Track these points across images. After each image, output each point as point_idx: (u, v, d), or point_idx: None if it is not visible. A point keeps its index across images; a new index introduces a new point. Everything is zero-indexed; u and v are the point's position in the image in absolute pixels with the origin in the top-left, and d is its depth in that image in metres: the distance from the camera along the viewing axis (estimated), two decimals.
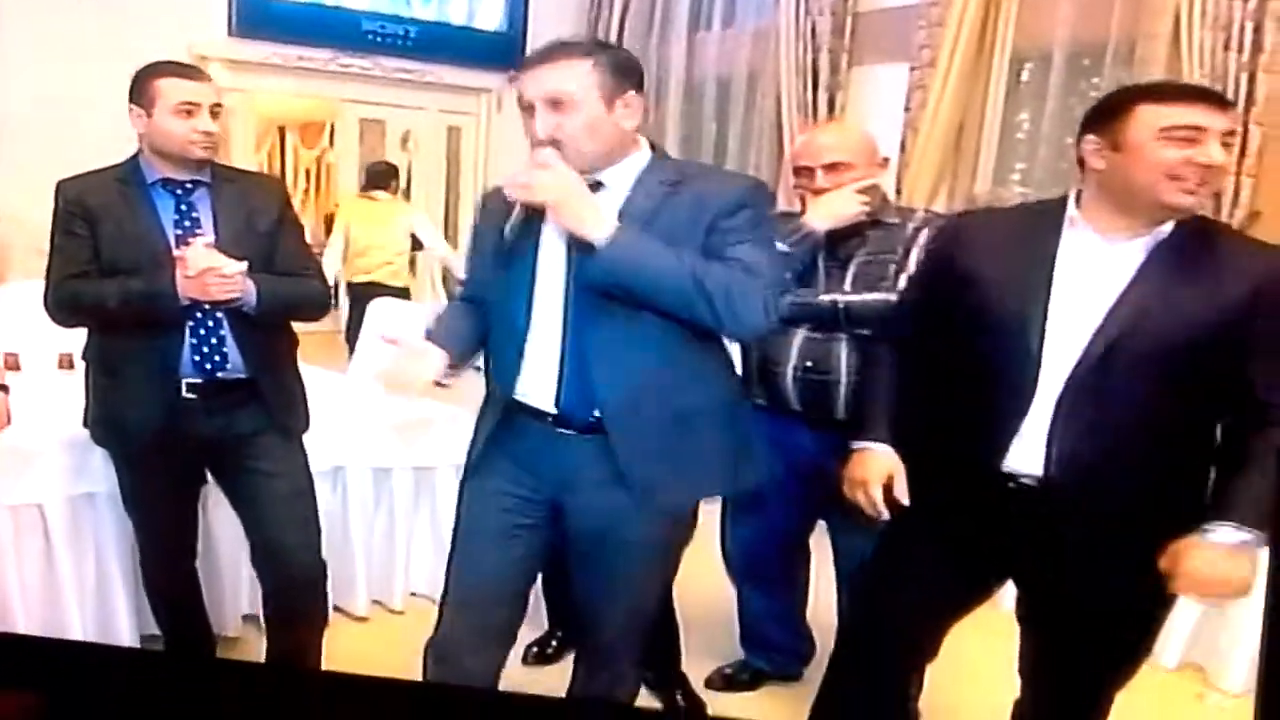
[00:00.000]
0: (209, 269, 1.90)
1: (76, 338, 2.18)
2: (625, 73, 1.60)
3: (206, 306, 1.98)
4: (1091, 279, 1.56)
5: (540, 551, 1.79)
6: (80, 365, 2.19)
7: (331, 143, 7.99)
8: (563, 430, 1.67)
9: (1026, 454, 1.59)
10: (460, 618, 1.80)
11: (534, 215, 1.64)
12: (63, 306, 2.02)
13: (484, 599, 1.78)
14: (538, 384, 1.66)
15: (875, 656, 1.86)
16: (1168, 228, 1.53)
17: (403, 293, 5.04)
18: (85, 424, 2.14)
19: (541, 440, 1.69)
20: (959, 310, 1.68)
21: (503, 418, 1.73)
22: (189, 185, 2.04)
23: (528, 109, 1.61)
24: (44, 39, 5.00)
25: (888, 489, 1.74)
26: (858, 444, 1.81)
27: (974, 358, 1.67)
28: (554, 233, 1.63)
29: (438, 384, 1.75)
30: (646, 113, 1.66)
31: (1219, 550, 1.48)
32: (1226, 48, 3.77)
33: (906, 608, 1.78)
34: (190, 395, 2.02)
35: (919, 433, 1.77)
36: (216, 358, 2.02)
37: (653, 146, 1.70)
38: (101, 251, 1.99)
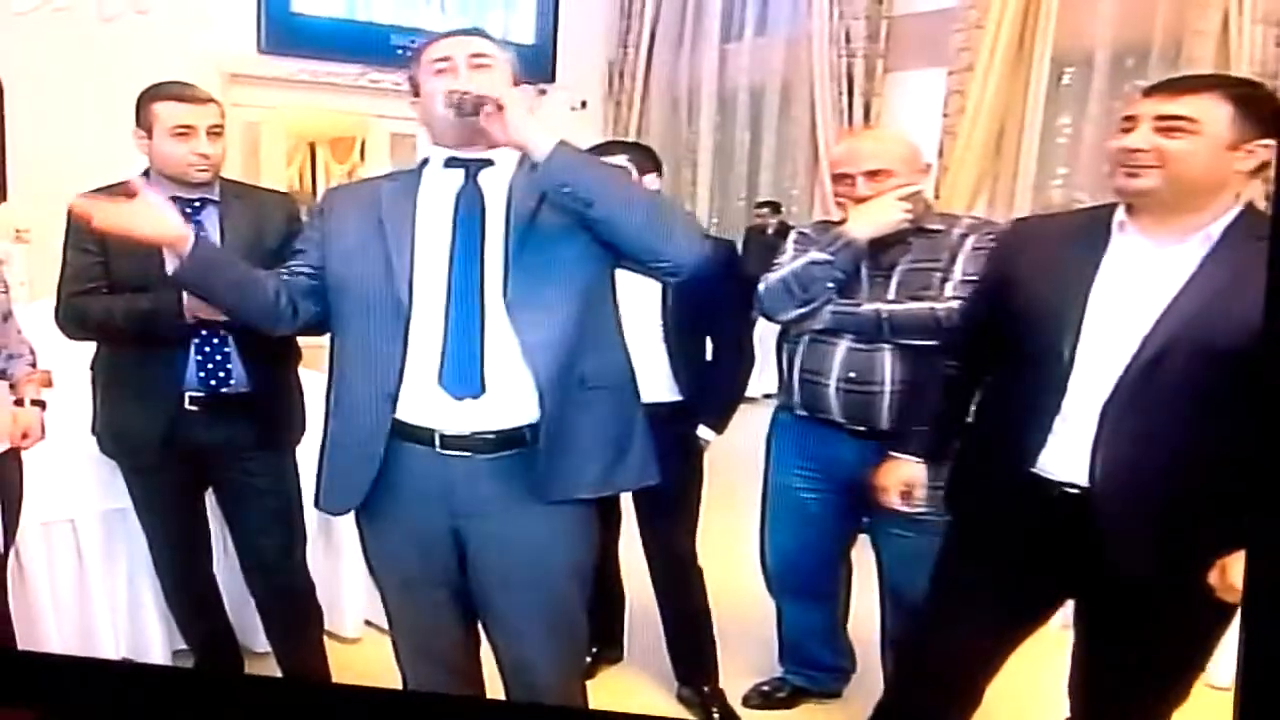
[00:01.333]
0: None
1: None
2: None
3: (212, 325, 1.99)
4: (1140, 284, 1.53)
5: (468, 599, 1.69)
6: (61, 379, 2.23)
7: (363, 158, 8.05)
8: (448, 453, 1.55)
9: (1070, 461, 1.57)
10: (413, 660, 1.77)
11: (398, 199, 1.62)
12: (71, 321, 2.05)
13: (430, 647, 1.75)
14: (420, 382, 1.54)
15: (936, 688, 1.83)
16: (1219, 228, 1.49)
17: None
18: (93, 433, 2.16)
19: (431, 473, 1.57)
20: (1007, 316, 1.68)
21: (385, 453, 1.57)
22: (197, 203, 2.05)
23: (440, 69, 1.59)
24: (75, 59, 5.07)
25: (907, 494, 1.93)
26: (890, 453, 1.95)
27: (1014, 362, 1.67)
28: (436, 202, 1.60)
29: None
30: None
31: None
32: (1278, 43, 3.68)
33: (968, 633, 1.75)
34: (193, 408, 2.05)
35: (969, 444, 1.76)
36: (221, 374, 2.05)
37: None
38: (111, 268, 2.01)
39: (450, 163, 1.63)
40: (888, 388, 2.06)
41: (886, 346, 2.05)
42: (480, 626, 1.75)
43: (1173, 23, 4.08)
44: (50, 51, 5.02)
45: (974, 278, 1.98)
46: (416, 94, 1.65)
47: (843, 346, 2.09)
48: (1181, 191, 1.50)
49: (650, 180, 1.63)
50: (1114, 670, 1.70)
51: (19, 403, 2.03)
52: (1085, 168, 4.40)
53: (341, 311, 1.64)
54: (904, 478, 1.91)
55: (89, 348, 2.15)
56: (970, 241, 2.04)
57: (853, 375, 2.08)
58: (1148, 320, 1.50)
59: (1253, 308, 1.40)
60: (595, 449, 1.61)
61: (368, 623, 2.76)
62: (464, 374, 1.53)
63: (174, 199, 2.00)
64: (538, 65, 6.17)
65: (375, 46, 6.03)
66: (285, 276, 1.68)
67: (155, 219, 1.58)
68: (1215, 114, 1.45)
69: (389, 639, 2.66)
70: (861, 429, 2.11)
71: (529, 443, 1.56)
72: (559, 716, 1.81)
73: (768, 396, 2.45)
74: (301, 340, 2.17)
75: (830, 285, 2.05)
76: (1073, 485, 1.57)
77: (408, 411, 1.56)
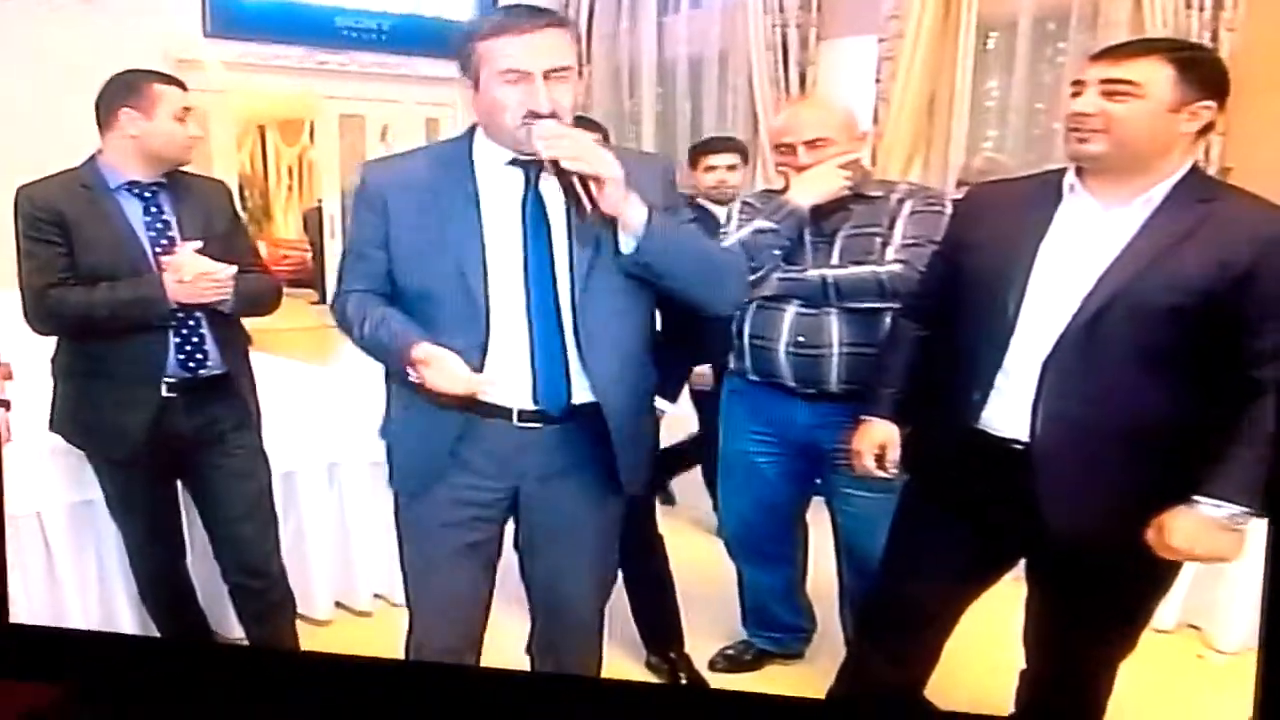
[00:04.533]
0: (202, 274, 1.96)
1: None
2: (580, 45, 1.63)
3: (191, 308, 2.03)
4: (1086, 244, 1.58)
5: (497, 550, 1.80)
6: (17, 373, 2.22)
7: (312, 139, 7.95)
8: (528, 425, 1.63)
9: (1012, 417, 1.62)
10: (432, 636, 1.81)
11: (458, 192, 1.60)
12: (47, 317, 2.02)
13: (454, 617, 1.79)
14: (504, 375, 1.58)
15: (898, 640, 1.88)
16: (1162, 191, 1.54)
17: None
18: (51, 428, 2.15)
19: (501, 440, 1.65)
20: (962, 277, 1.72)
21: (461, 433, 1.64)
22: (154, 188, 2.07)
23: (512, 80, 1.51)
24: (16, 44, 4.92)
25: (880, 457, 1.89)
26: (860, 416, 1.93)
27: (960, 321, 1.71)
28: (499, 206, 1.59)
29: None
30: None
31: (1205, 523, 1.49)
32: (1189, 6, 3.81)
33: (926, 586, 1.80)
34: (171, 394, 2.07)
35: (922, 402, 1.81)
36: (199, 355, 2.08)
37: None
38: (77, 258, 2.00)
39: (512, 163, 1.60)
40: (835, 350, 2.13)
41: (833, 310, 2.12)
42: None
43: None
44: None
45: (914, 241, 2.07)
46: (476, 87, 1.57)
47: (791, 311, 2.16)
48: (1128, 155, 1.53)
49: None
50: (1063, 623, 1.76)
51: None
52: (1014, 131, 4.51)
53: (406, 295, 1.64)
54: (877, 440, 1.90)
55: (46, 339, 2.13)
56: (908, 206, 2.12)
57: (801, 339, 2.16)
58: (1090, 280, 1.55)
59: (1192, 269, 1.47)
60: (649, 440, 1.78)
61: (338, 604, 2.80)
62: (553, 393, 1.61)
63: (131, 184, 2.05)
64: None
65: (321, 28, 5.98)
66: (364, 288, 1.67)
67: (458, 373, 1.55)
68: (1157, 77, 1.49)
69: (360, 620, 2.78)
70: (812, 391, 2.18)
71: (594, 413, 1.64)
72: (538, 682, 1.90)
73: None
74: (249, 323, 2.22)
75: (777, 253, 2.12)
76: (1016, 441, 1.62)
77: (488, 395, 1.60)
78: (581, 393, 1.63)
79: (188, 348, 2.06)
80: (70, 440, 2.16)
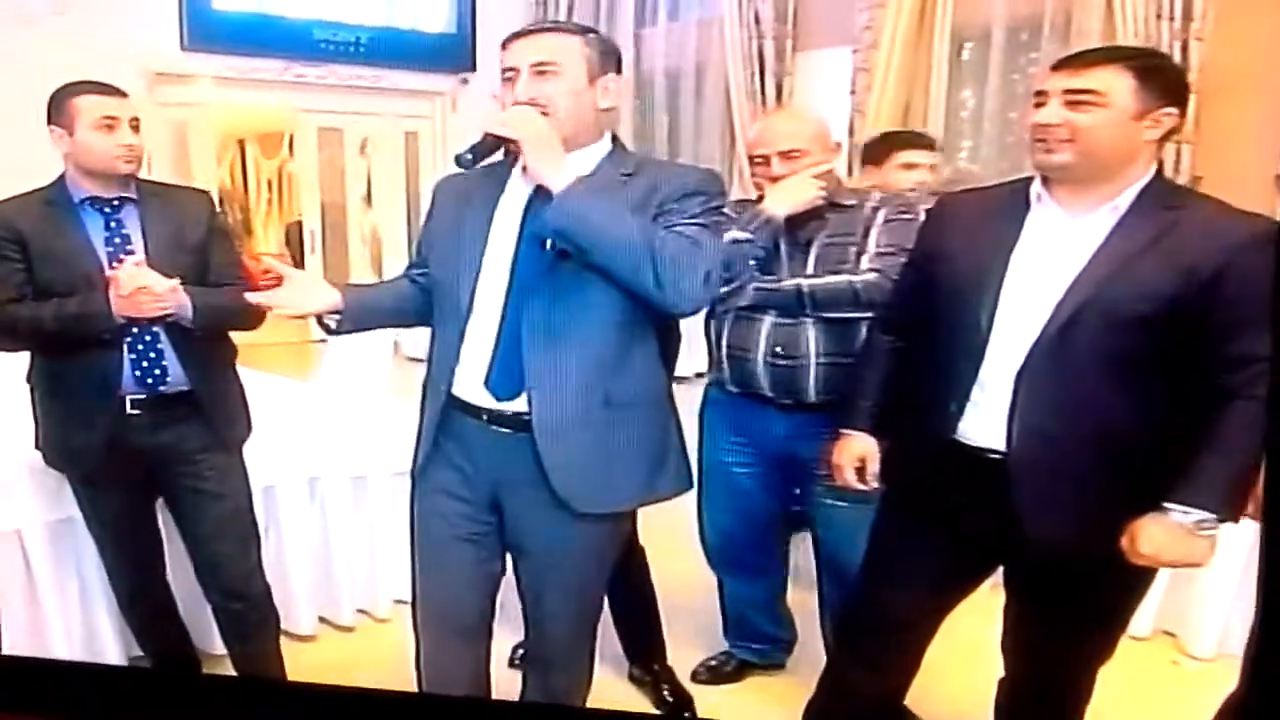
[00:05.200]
0: (140, 289, 1.91)
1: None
2: (609, 56, 1.66)
3: (142, 323, 1.99)
4: (1055, 254, 1.58)
5: (498, 554, 1.80)
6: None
7: (291, 152, 7.94)
8: (497, 428, 1.67)
9: (988, 428, 1.62)
10: (429, 627, 1.83)
11: (488, 198, 1.68)
12: (1, 332, 2.00)
13: (448, 608, 1.80)
14: (473, 372, 1.66)
15: (878, 649, 1.88)
16: (1127, 199, 1.54)
17: None
18: (36, 446, 2.13)
19: (477, 439, 1.69)
20: (933, 288, 1.73)
21: (441, 420, 1.72)
22: (116, 203, 2.05)
23: (508, 78, 1.62)
24: None
25: (861, 470, 1.89)
26: (840, 429, 1.93)
27: (934, 333, 1.72)
28: (508, 214, 1.66)
29: (324, 327, 1.78)
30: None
31: (1175, 530, 1.50)
32: (1159, 16, 3.87)
33: (905, 596, 1.80)
34: (135, 411, 2.03)
35: (897, 414, 1.81)
36: (157, 371, 2.03)
37: (614, 140, 1.73)
38: (35, 274, 1.98)
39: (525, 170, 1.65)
40: (813, 360, 2.15)
41: (809, 320, 2.13)
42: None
43: None
44: None
45: (888, 250, 2.09)
46: None
47: (767, 322, 2.17)
48: (1094, 164, 1.53)
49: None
50: (1041, 630, 1.75)
51: None
52: (988, 140, 4.56)
53: (434, 282, 1.77)
54: (856, 453, 1.89)
55: (23, 356, 2.13)
56: (882, 214, 2.15)
57: (779, 350, 2.17)
58: (1060, 289, 1.55)
59: (1159, 276, 1.47)
60: (626, 463, 1.69)
61: (321, 619, 2.80)
62: (500, 382, 1.65)
63: (94, 199, 2.03)
64: (458, 54, 6.14)
65: (299, 41, 5.96)
66: (415, 272, 1.83)
67: (316, 292, 1.72)
68: (1119, 85, 1.50)
69: (344, 635, 2.77)
70: (789, 402, 2.19)
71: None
72: (531, 714, 1.89)
73: (699, 375, 2.51)
74: (237, 337, 2.19)
75: (752, 263, 2.13)
76: (992, 451, 1.62)
77: (462, 389, 1.68)
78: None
79: (144, 363, 2.02)
80: (45, 458, 2.14)
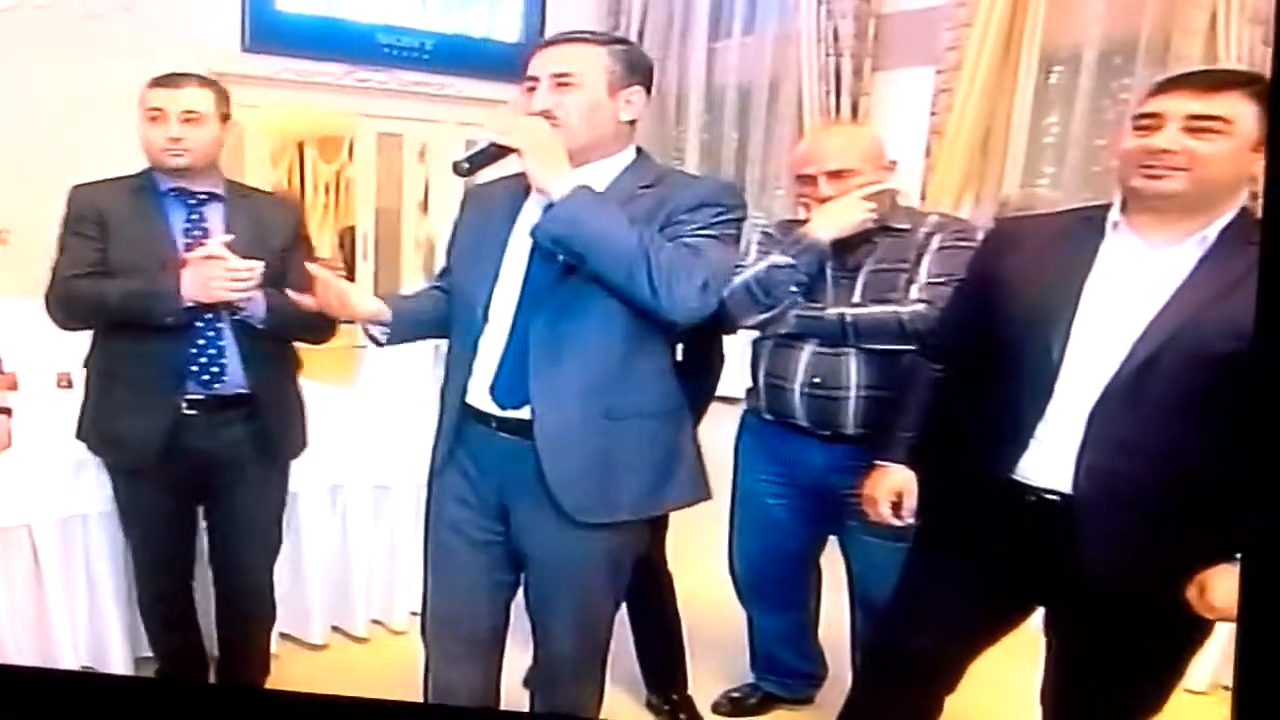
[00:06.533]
0: (222, 262, 1.87)
1: (74, 356, 2.14)
2: (635, 68, 1.63)
3: (208, 315, 1.96)
4: (1133, 286, 1.49)
5: (508, 565, 1.76)
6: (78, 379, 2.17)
7: (350, 157, 8.04)
8: (504, 435, 1.65)
9: (1051, 467, 1.53)
10: (438, 637, 1.81)
11: (510, 210, 1.67)
12: (60, 303, 1.99)
13: (456, 616, 1.79)
14: (484, 381, 1.66)
15: (899, 691, 1.80)
16: (1215, 229, 1.45)
17: None
18: (79, 435, 2.10)
19: (486, 446, 1.69)
20: (994, 319, 1.63)
21: (456, 426, 1.72)
22: (202, 196, 2.04)
23: (530, 88, 1.62)
24: (58, 58, 5.04)
25: (897, 505, 1.83)
26: (876, 461, 1.85)
27: (996, 364, 1.62)
28: (525, 228, 1.63)
29: (370, 337, 1.78)
30: (647, 113, 1.69)
31: None
32: (1265, 42, 3.64)
33: (932, 638, 1.73)
34: (191, 411, 1.99)
35: (943, 448, 1.73)
36: (215, 369, 1.99)
37: (639, 152, 1.68)
38: (110, 255, 1.97)
39: None
40: (853, 393, 2.02)
41: (851, 351, 2.01)
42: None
43: (1162, 20, 4.04)
44: (32, 50, 4.99)
45: (940, 280, 1.95)
46: None
47: (807, 350, 2.06)
48: (1203, 194, 1.44)
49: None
50: (1088, 679, 1.67)
51: None
52: (1072, 167, 4.35)
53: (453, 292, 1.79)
54: (894, 486, 1.82)
55: (48, 348, 2.12)
56: (936, 241, 2.00)
57: (817, 380, 2.05)
58: (1139, 324, 1.46)
59: (1246, 314, 1.36)
60: (627, 474, 1.66)
61: (335, 629, 2.76)
62: (504, 390, 1.65)
63: (179, 191, 2.02)
64: (524, 64, 6.14)
65: (361, 44, 5.98)
66: (443, 281, 1.83)
67: (363, 298, 1.75)
68: (1244, 112, 1.40)
69: (357, 646, 2.72)
70: (827, 433, 2.07)
71: None
72: None
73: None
74: (301, 346, 2.15)
75: (794, 289, 2.01)
76: (1052, 492, 1.53)
77: (474, 398, 1.69)
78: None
79: (203, 359, 1.98)
80: (92, 448, 2.11)
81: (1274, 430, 0.92)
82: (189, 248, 1.97)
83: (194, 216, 2.02)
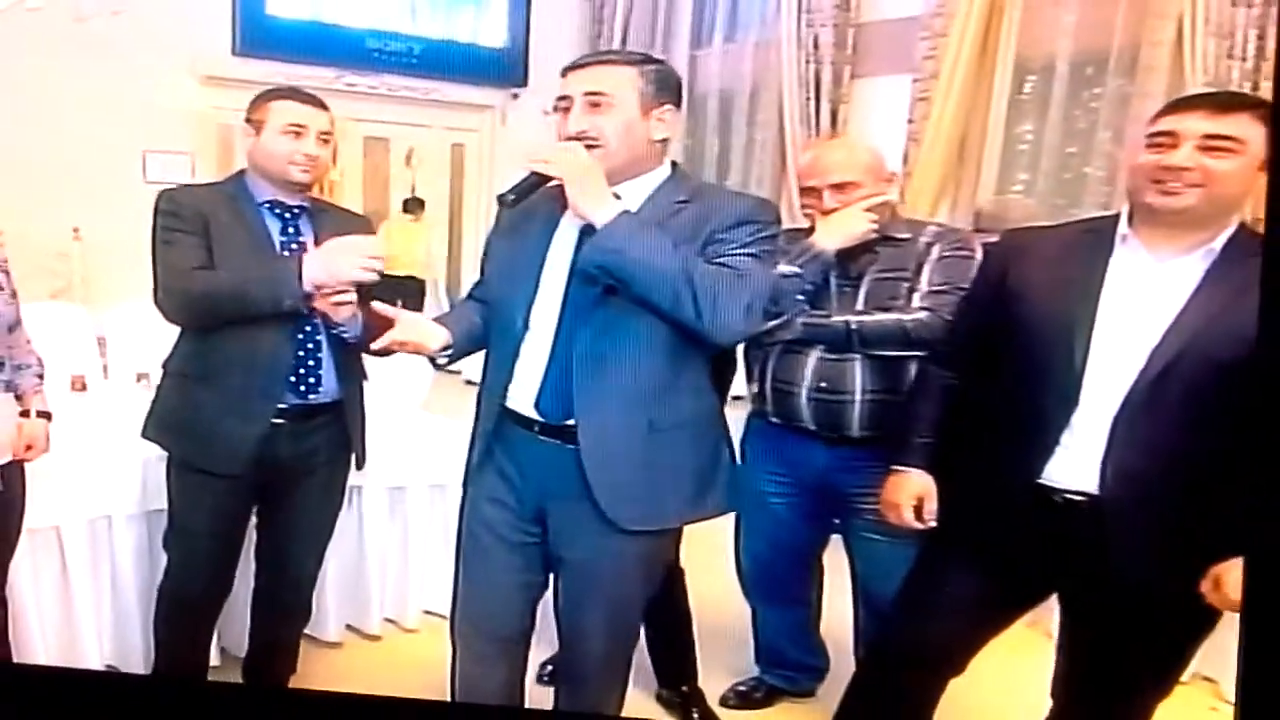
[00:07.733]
0: (355, 245, 1.89)
1: (92, 360, 2.16)
2: (665, 86, 1.65)
3: (308, 328, 1.99)
4: (1145, 297, 1.57)
5: (540, 567, 1.80)
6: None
7: (335, 160, 8.04)
8: (546, 439, 1.68)
9: (1077, 470, 1.60)
10: (467, 634, 1.84)
11: (548, 222, 1.69)
12: (178, 296, 1.96)
13: (486, 612, 1.82)
14: (525, 389, 1.69)
15: (905, 678, 1.86)
16: (1220, 241, 1.53)
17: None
18: (145, 434, 2.10)
19: (526, 449, 1.72)
20: (1008, 327, 1.70)
21: (494, 428, 1.75)
22: (296, 210, 2.06)
23: (563, 108, 1.65)
24: (48, 60, 5.01)
25: (918, 509, 1.85)
26: (894, 466, 1.89)
27: (1018, 373, 1.68)
28: (563, 241, 1.67)
29: (434, 364, 1.83)
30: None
31: None
32: (1230, 55, 3.78)
33: (942, 630, 1.79)
34: (279, 420, 2.02)
35: (964, 453, 1.78)
36: (311, 379, 2.02)
37: (674, 166, 1.73)
38: (215, 254, 1.96)
39: None
40: (858, 397, 2.11)
41: (856, 356, 2.10)
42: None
43: (1131, 32, 4.17)
44: (23, 52, 4.95)
45: (941, 288, 2.04)
46: None
47: (813, 356, 2.14)
48: (1214, 209, 1.52)
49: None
50: (1102, 670, 1.73)
51: (25, 414, 2.01)
52: (1046, 174, 4.48)
53: (490, 301, 1.82)
54: (914, 491, 1.85)
55: (66, 353, 2.12)
56: (936, 250, 2.09)
57: (824, 385, 2.13)
58: (1155, 333, 1.54)
59: (1252, 322, 1.40)
60: (671, 483, 1.70)
61: (349, 627, 2.80)
62: (549, 403, 1.67)
63: (274, 203, 2.04)
64: (510, 69, 6.18)
65: (351, 50, 6.01)
66: (480, 291, 1.87)
67: (431, 331, 1.76)
68: (1254, 134, 1.48)
69: (371, 644, 2.77)
70: (833, 436, 2.16)
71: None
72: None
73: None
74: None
75: (800, 297, 2.09)
76: (1079, 493, 1.60)
77: (515, 403, 1.71)
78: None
79: (302, 370, 2.01)
80: (165, 447, 2.09)
81: (1274, 431, 0.99)
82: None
83: (289, 229, 2.04)
